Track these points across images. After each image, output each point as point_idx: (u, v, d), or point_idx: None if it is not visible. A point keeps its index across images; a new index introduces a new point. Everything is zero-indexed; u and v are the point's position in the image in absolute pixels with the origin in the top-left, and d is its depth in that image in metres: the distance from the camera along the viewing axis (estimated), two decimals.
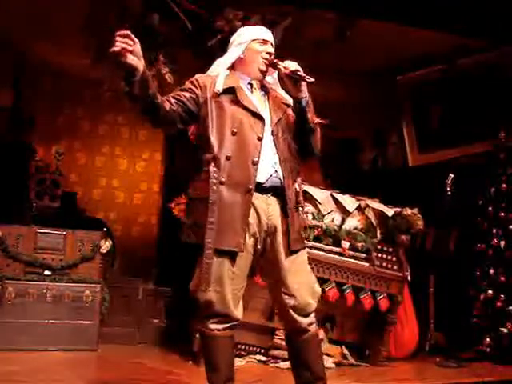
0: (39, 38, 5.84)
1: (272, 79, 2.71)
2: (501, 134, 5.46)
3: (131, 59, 2.25)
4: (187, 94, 2.52)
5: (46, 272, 4.68)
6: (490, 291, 5.15)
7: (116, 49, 2.22)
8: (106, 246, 4.95)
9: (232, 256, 2.41)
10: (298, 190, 2.58)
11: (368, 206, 4.71)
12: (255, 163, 2.43)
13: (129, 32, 2.22)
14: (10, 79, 6.45)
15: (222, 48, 4.80)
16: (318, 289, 2.60)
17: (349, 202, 4.67)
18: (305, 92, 2.50)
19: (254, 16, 4.83)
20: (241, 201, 2.41)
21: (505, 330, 4.98)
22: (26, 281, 4.58)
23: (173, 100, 2.49)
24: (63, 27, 5.40)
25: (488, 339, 5.03)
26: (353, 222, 4.66)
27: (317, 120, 2.54)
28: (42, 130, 6.94)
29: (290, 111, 2.62)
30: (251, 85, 2.61)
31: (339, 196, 4.65)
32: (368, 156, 7.15)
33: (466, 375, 4.35)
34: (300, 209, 2.58)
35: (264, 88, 2.65)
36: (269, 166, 2.48)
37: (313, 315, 2.57)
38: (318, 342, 2.66)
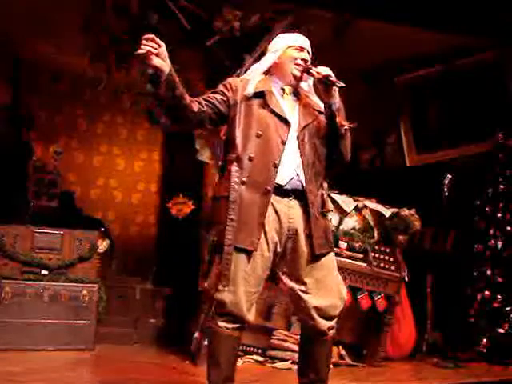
0: (38, 37, 5.84)
1: (307, 87, 2.74)
2: (498, 135, 5.46)
3: (156, 61, 2.33)
4: (218, 96, 2.59)
5: (44, 271, 4.68)
6: (487, 292, 5.15)
7: (141, 51, 2.31)
8: (103, 245, 4.96)
9: (247, 256, 2.44)
10: (323, 194, 2.60)
11: (365, 206, 4.71)
12: (276, 165, 2.47)
13: (154, 36, 2.31)
14: (8, 78, 6.44)
15: (221, 48, 4.84)
16: (345, 291, 2.63)
17: (346, 202, 4.67)
18: (336, 97, 2.53)
19: (252, 16, 4.83)
20: (259, 201, 2.45)
21: (502, 331, 4.98)
22: (23, 280, 4.58)
23: (203, 101, 2.55)
24: (62, 26, 5.40)
25: (485, 339, 5.03)
26: (350, 223, 4.66)
27: (347, 125, 2.55)
28: (40, 129, 6.94)
29: (322, 118, 2.64)
30: (283, 90, 2.64)
31: (337, 196, 4.65)
32: (366, 156, 7.14)
33: (463, 375, 4.35)
34: (326, 213, 2.60)
35: (297, 94, 2.68)
36: (291, 169, 2.50)
37: (335, 320, 2.58)
38: (331, 347, 2.68)
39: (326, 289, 2.53)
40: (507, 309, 5.03)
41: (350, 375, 4.19)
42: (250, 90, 2.57)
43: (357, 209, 4.70)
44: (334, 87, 2.51)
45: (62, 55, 6.20)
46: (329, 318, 2.54)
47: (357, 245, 4.53)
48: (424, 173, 6.07)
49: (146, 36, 2.31)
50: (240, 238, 2.42)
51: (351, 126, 2.57)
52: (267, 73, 2.69)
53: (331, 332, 2.57)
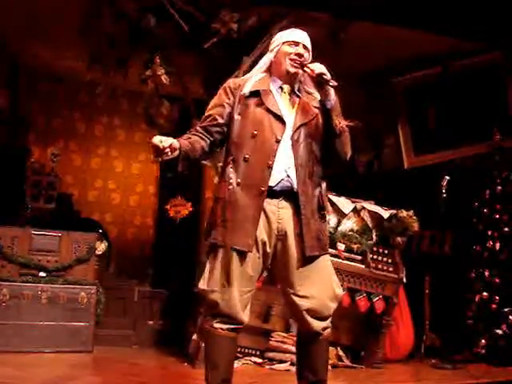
0: (36, 41, 5.84)
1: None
2: (496, 136, 5.47)
3: (169, 156, 2.43)
4: (218, 111, 2.59)
5: (41, 274, 4.67)
6: (485, 293, 5.15)
7: (159, 159, 2.45)
8: (101, 247, 4.95)
9: (240, 256, 2.43)
10: (321, 195, 2.57)
11: (364, 208, 4.72)
12: (270, 166, 2.46)
13: (158, 145, 2.36)
14: (6, 81, 6.44)
15: (219, 50, 4.85)
16: (339, 291, 2.59)
17: (344, 204, 4.67)
18: (331, 95, 2.50)
19: (250, 18, 4.84)
20: (253, 202, 2.45)
21: (500, 332, 4.98)
22: (20, 282, 4.58)
23: (210, 129, 2.58)
24: (60, 31, 5.40)
25: (483, 341, 5.03)
26: (348, 224, 4.67)
27: (343, 123, 2.52)
28: (38, 131, 6.94)
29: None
30: (282, 88, 2.62)
31: (335, 198, 4.66)
32: (364, 158, 7.15)
33: (461, 377, 4.35)
34: (323, 214, 2.57)
35: (299, 91, 2.64)
36: (281, 170, 2.48)
37: (329, 320, 2.56)
38: (328, 347, 2.66)
39: (318, 291, 2.50)
40: (505, 310, 5.04)
41: (348, 377, 4.19)
42: (246, 90, 2.56)
43: (355, 210, 4.70)
44: (328, 86, 2.48)
45: (60, 59, 6.20)
46: (322, 318, 2.52)
47: (355, 246, 4.53)
48: (422, 174, 6.07)
49: (154, 146, 2.38)
50: (235, 239, 2.42)
51: (348, 124, 2.52)
52: (267, 71, 2.66)
53: (326, 332, 2.55)
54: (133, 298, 5.32)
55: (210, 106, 2.65)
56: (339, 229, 4.60)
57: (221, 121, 2.58)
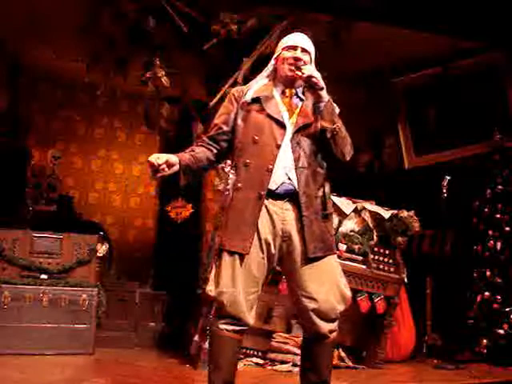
0: (36, 42, 5.84)
1: None
2: (495, 136, 5.47)
3: (167, 171, 2.47)
4: (223, 119, 2.65)
5: (43, 276, 4.67)
6: (486, 292, 5.15)
7: (157, 177, 2.48)
8: (102, 249, 4.95)
9: (243, 257, 2.46)
10: (323, 195, 2.58)
11: (364, 208, 4.72)
12: (270, 170, 2.49)
13: (150, 161, 2.42)
14: (6, 83, 6.44)
15: (219, 51, 4.85)
16: (348, 293, 2.59)
17: (345, 204, 4.67)
18: (321, 97, 2.53)
19: (249, 19, 4.84)
20: (252, 206, 2.48)
21: (501, 331, 4.98)
22: (22, 285, 4.58)
23: (215, 138, 2.65)
24: (60, 32, 5.41)
25: (485, 340, 5.03)
26: (349, 225, 4.67)
27: (337, 125, 2.52)
28: (39, 133, 6.94)
29: None
30: (284, 92, 2.65)
31: (336, 199, 4.65)
32: (364, 158, 7.15)
33: (463, 377, 4.34)
34: (327, 215, 2.58)
35: (303, 94, 2.67)
36: (282, 173, 2.51)
37: (336, 323, 2.56)
38: (333, 349, 2.68)
39: (324, 292, 2.50)
40: (507, 309, 5.03)
41: (350, 377, 4.18)
42: (248, 97, 2.61)
43: (356, 211, 4.70)
44: (317, 88, 2.50)
45: (60, 60, 6.20)
46: (329, 320, 2.53)
47: (356, 247, 4.53)
48: (422, 174, 6.07)
49: (150, 164, 2.42)
50: (234, 243, 2.47)
51: (334, 126, 2.51)
52: (271, 77, 2.71)
53: (333, 335, 2.56)
54: (134, 299, 5.32)
55: (216, 116, 2.71)
56: (340, 229, 4.60)
57: (226, 128, 2.64)
